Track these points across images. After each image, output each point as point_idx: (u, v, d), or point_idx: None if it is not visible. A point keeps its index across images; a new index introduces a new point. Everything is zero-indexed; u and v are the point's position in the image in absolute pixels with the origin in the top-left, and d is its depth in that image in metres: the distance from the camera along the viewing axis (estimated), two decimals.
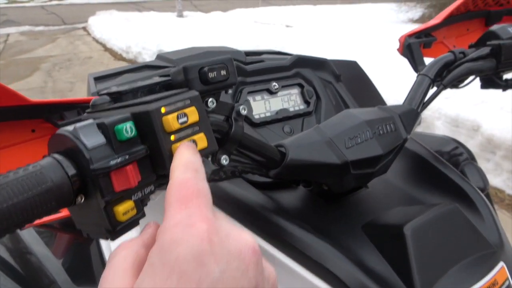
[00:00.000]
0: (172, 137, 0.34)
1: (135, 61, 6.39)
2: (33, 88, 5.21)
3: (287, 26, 7.64)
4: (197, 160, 0.31)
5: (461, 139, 2.86)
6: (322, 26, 7.13)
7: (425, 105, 0.65)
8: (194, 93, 0.37)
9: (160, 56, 0.98)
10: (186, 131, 0.35)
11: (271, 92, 0.72)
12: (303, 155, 0.50)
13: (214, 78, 0.41)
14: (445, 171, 0.63)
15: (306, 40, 5.56)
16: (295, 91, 0.75)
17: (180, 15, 9.92)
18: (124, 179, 0.31)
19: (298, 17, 9.00)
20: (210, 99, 0.43)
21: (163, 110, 0.34)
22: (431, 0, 7.91)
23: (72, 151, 0.31)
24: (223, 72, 0.41)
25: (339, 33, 6.05)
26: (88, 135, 0.31)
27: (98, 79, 0.89)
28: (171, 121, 0.33)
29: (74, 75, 5.81)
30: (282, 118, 0.71)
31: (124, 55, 6.84)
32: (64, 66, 6.46)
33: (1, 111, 0.45)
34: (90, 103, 0.39)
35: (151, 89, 0.41)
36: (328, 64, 0.80)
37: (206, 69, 0.40)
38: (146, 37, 6.95)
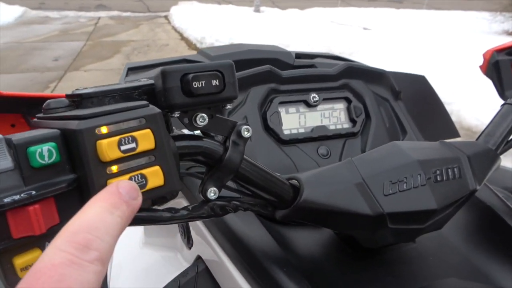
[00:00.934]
0: (115, 168, 0.24)
1: None
2: (112, 69, 5.53)
3: (365, 28, 7.28)
4: (105, 225, 0.21)
5: None
6: (403, 32, 6.67)
7: (508, 145, 0.49)
8: (153, 110, 0.26)
9: (201, 51, 0.90)
10: (134, 161, 0.25)
11: (309, 105, 0.60)
12: (321, 197, 0.38)
13: (201, 89, 0.30)
14: None
15: (383, 45, 5.22)
16: (340, 106, 0.62)
17: (257, 10, 9.95)
18: (25, 223, 0.22)
19: (377, 20, 8.54)
20: (200, 115, 0.32)
21: (102, 130, 0.24)
22: None
23: None
24: (215, 82, 0.31)
25: (421, 40, 5.60)
26: None
27: (132, 69, 0.83)
28: (107, 147, 0.24)
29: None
30: (318, 137, 0.59)
31: (198, 45, 7.02)
32: (142, 51, 6.79)
33: None
34: (43, 106, 0.30)
35: (126, 94, 0.31)
36: (386, 77, 0.66)
37: (190, 76, 0.30)
38: (221, 29, 7.06)
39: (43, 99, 0.42)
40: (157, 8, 12.05)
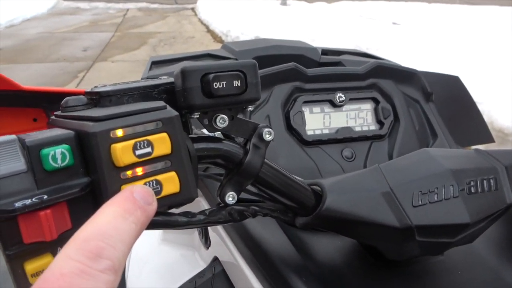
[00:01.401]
0: (129, 173, 0.23)
1: None
2: (138, 60, 5.61)
3: (394, 23, 7.08)
4: (119, 232, 0.20)
5: None
6: (434, 27, 6.45)
7: None
8: (170, 112, 0.25)
9: (225, 46, 0.88)
10: (149, 167, 0.24)
11: (335, 105, 0.58)
12: (345, 206, 0.36)
13: (221, 90, 0.29)
14: None
15: (411, 41, 5.07)
16: (367, 106, 0.59)
17: (284, 3, 9.86)
18: (37, 228, 0.22)
19: (407, 14, 8.30)
20: (220, 116, 0.31)
21: (118, 133, 0.23)
22: None
23: None
24: (236, 83, 0.29)
25: (452, 37, 5.40)
26: (1, 157, 0.22)
27: (156, 63, 0.83)
28: (121, 152, 0.22)
29: (175, 52, 6.13)
30: (343, 139, 0.57)
31: (223, 37, 7.02)
32: (168, 43, 6.86)
33: None
34: (61, 103, 0.30)
35: (145, 93, 0.30)
36: (417, 77, 0.63)
37: (210, 77, 0.28)
38: (247, 22, 7.04)
39: (63, 94, 0.42)
40: (185, 0, 12.13)
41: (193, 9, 10.55)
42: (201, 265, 0.60)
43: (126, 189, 0.22)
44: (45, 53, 5.76)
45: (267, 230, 0.44)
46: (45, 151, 0.22)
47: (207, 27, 8.24)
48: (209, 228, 0.57)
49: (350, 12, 8.63)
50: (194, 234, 0.66)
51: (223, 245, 0.49)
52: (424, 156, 0.39)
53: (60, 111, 0.30)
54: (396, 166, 0.39)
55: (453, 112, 0.65)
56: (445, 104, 0.65)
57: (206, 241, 0.58)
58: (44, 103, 0.42)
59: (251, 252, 0.43)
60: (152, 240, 0.70)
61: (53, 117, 0.30)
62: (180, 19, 9.36)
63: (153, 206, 0.23)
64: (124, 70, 5.07)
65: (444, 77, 0.69)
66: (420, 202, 0.37)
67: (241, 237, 0.45)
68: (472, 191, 0.38)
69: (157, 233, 0.71)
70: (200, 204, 0.55)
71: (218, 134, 0.35)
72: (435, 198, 0.37)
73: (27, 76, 4.46)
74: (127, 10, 10.54)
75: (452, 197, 0.37)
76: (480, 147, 0.55)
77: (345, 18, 7.41)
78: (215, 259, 0.54)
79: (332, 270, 0.43)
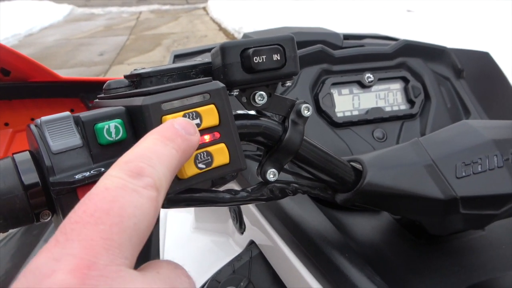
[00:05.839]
0: None
1: None
2: (153, 62, 5.67)
3: (408, 10, 6.95)
4: (158, 155, 0.20)
5: None
6: (452, 14, 6.29)
7: None
8: (217, 85, 0.26)
9: (245, 35, 0.88)
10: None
11: (363, 86, 0.57)
12: (387, 180, 0.36)
13: (262, 64, 0.29)
14: None
15: (429, 29, 4.96)
16: (397, 86, 0.58)
17: None
18: None
19: (423, 1, 8.12)
20: (259, 93, 0.31)
21: (168, 106, 0.23)
22: None
23: (36, 154, 0.23)
24: (276, 57, 0.29)
25: (471, 25, 5.26)
26: (57, 133, 0.22)
27: (178, 56, 0.84)
28: None
29: None
30: (373, 119, 0.56)
31: (236, 35, 7.04)
32: (182, 43, 6.91)
33: (35, 87, 0.40)
34: (104, 86, 0.30)
35: (183, 73, 0.31)
36: (447, 54, 0.61)
37: (250, 51, 0.29)
38: (259, 18, 7.04)
39: (101, 83, 0.43)
40: (196, 0, 12.19)
41: (204, 8, 10.59)
42: (237, 250, 0.60)
43: (168, 120, 0.23)
44: (64, 59, 5.89)
45: (305, 211, 0.44)
46: (99, 125, 0.23)
47: (219, 25, 8.26)
48: (243, 212, 0.57)
49: (360, 0, 8.51)
50: (227, 222, 0.66)
51: (259, 228, 0.50)
52: (465, 128, 0.39)
53: (102, 95, 0.30)
54: (436, 139, 0.38)
55: (485, 89, 0.64)
56: (476, 81, 0.64)
57: (241, 226, 0.59)
58: (82, 93, 0.43)
59: (290, 232, 0.43)
60: (185, 229, 0.71)
61: (96, 100, 0.30)
62: (192, 19, 9.41)
63: (195, 137, 0.23)
64: None
65: (473, 53, 0.67)
66: (464, 174, 0.36)
67: (279, 219, 0.45)
68: None
69: (189, 222, 0.72)
70: (233, 187, 0.55)
71: (252, 113, 0.35)
72: (479, 169, 0.36)
73: None
74: (140, 12, 10.66)
75: (496, 167, 0.36)
76: None
77: (357, 7, 7.31)
78: (251, 242, 0.54)
79: (373, 247, 0.42)
